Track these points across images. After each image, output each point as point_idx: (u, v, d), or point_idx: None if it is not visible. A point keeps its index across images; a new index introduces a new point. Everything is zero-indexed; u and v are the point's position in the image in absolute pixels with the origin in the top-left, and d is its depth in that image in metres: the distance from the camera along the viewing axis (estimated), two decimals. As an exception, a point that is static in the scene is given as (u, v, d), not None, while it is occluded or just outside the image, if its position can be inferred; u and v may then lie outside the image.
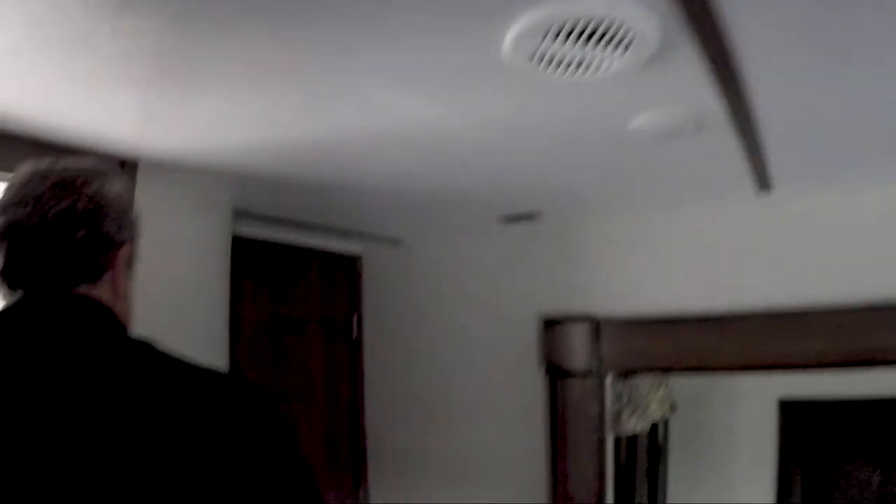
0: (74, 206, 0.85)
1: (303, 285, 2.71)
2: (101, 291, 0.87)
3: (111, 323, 0.87)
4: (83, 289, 0.86)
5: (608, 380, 2.43)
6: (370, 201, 2.28)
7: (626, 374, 2.47)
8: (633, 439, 2.69)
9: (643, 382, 2.66)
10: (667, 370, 2.38)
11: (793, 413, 3.12)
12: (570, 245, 2.50)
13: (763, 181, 2.09)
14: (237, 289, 2.30)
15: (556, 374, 2.41)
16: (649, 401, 2.67)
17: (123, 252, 0.91)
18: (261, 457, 0.80)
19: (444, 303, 2.72)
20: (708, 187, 2.20)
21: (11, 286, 0.84)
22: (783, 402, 3.12)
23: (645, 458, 2.87)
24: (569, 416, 2.39)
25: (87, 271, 0.87)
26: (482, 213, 2.44)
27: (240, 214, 2.39)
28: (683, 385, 3.08)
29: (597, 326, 2.37)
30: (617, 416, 2.50)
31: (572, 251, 2.49)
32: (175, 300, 2.13)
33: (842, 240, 2.17)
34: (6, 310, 0.84)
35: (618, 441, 2.57)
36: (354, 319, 2.92)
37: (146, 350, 0.85)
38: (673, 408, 3.01)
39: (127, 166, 1.93)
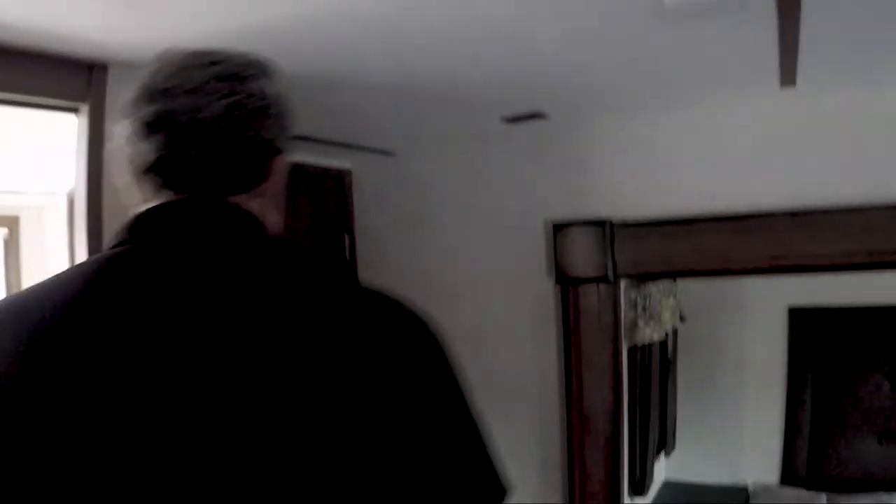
0: (241, 103, 0.76)
1: (289, 206, 2.51)
2: (255, 203, 0.79)
3: (265, 240, 0.78)
4: (239, 198, 0.78)
5: (622, 286, 2.30)
6: (360, 105, 2.07)
7: (641, 279, 2.33)
8: (646, 349, 2.59)
9: (656, 290, 2.54)
10: (686, 274, 2.25)
11: (802, 321, 3.05)
12: (579, 146, 2.32)
13: (789, 74, 1.92)
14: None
15: (568, 282, 2.26)
16: (662, 309, 2.56)
17: (281, 161, 0.83)
18: (414, 374, 0.74)
19: (443, 216, 2.54)
20: (730, 80, 2.02)
21: (162, 185, 0.76)
22: (792, 310, 3.04)
23: (658, 370, 2.77)
24: (583, 326, 2.26)
25: (245, 179, 0.79)
26: (483, 113, 2.24)
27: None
28: (691, 295, 2.98)
29: (610, 230, 2.21)
30: (632, 325, 2.38)
31: (582, 153, 2.32)
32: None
33: (869, 137, 2.02)
34: (153, 212, 0.75)
35: (632, 351, 2.46)
36: (346, 240, 2.74)
37: (301, 269, 0.77)
38: (682, 318, 2.91)
39: (96, 70, 1.73)
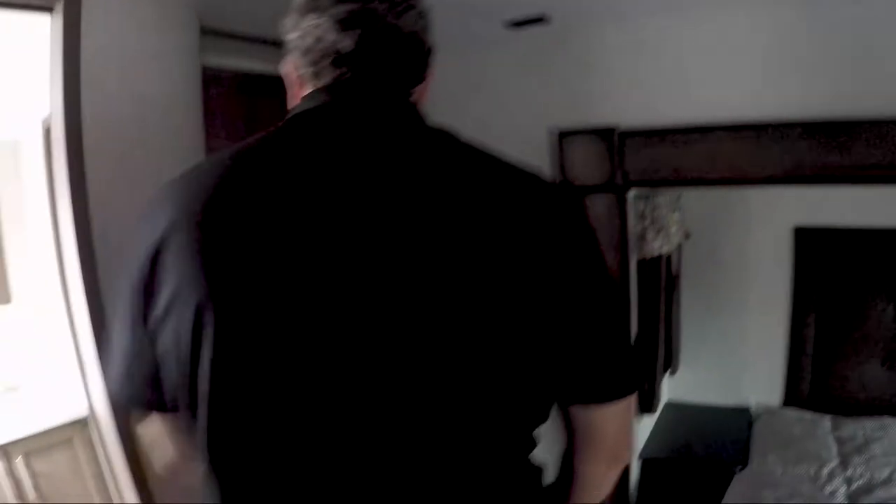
0: (423, 14, 0.87)
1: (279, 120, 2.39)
2: (413, 100, 0.90)
3: (434, 128, 0.88)
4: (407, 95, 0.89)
5: (630, 197, 2.24)
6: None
7: (652, 186, 2.27)
8: (654, 263, 2.54)
9: (664, 201, 2.48)
10: (697, 183, 2.18)
11: (808, 241, 3.00)
12: (585, 52, 2.22)
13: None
14: (207, 123, 2.01)
15: (576, 191, 2.20)
16: (669, 223, 2.51)
17: (432, 69, 0.93)
18: (561, 248, 0.82)
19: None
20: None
21: (348, 76, 0.85)
22: (798, 230, 3.00)
23: (664, 286, 2.74)
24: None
25: (414, 80, 0.89)
26: (485, 18, 2.15)
27: (206, 34, 2.08)
28: (695, 212, 2.93)
29: (618, 137, 2.15)
30: (640, 237, 2.33)
31: (588, 59, 2.22)
32: (143, 121, 1.85)
33: (885, 48, 1.96)
34: (342, 105, 0.85)
35: (639, 265, 2.42)
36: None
37: (462, 149, 0.86)
38: (687, 235, 2.86)
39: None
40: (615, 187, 2.18)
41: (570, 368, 0.87)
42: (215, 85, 2.02)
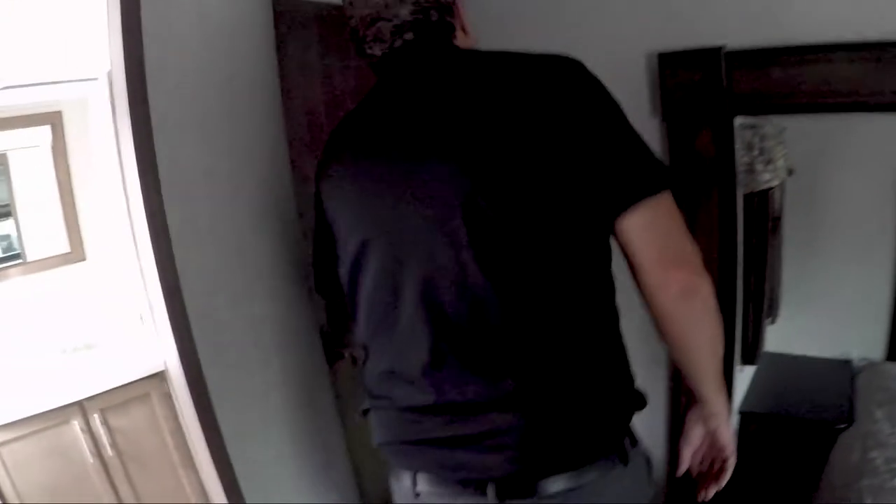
0: None
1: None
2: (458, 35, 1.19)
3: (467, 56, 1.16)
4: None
5: (737, 125, 2.03)
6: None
7: (762, 113, 2.06)
8: (763, 198, 2.33)
9: (770, 132, 2.26)
10: (813, 108, 1.95)
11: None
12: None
13: None
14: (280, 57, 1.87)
15: (677, 120, 2.00)
16: (777, 154, 2.29)
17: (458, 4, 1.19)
18: (579, 105, 1.04)
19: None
20: None
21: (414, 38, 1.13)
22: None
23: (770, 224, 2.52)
24: (694, 169, 2.01)
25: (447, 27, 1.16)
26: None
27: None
28: (798, 148, 2.68)
29: (724, 59, 1.93)
30: (749, 169, 2.13)
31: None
32: (212, 58, 1.73)
33: None
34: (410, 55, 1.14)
35: (747, 199, 2.21)
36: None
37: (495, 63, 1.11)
38: (790, 171, 2.62)
39: None
40: (721, 116, 1.97)
41: (598, 182, 1.01)
42: (288, 17, 1.87)
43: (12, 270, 2.78)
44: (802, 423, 2.50)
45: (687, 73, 1.96)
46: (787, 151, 2.51)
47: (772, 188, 2.35)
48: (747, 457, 2.52)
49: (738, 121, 2.04)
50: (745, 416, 2.51)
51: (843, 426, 2.41)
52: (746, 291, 2.32)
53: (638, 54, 2.04)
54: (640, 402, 1.16)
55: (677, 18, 1.99)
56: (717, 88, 1.94)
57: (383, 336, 1.15)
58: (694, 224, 2.01)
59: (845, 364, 2.89)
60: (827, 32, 1.84)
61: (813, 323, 2.96)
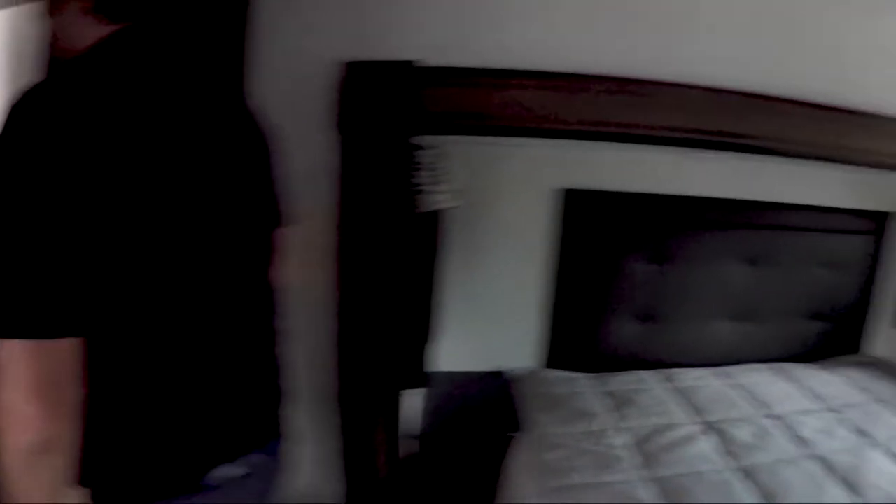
0: None
1: None
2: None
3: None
4: None
5: (417, 143, 2.01)
6: None
7: (440, 134, 2.06)
8: (435, 216, 2.34)
9: (448, 152, 2.30)
10: (499, 131, 2.00)
11: (567, 203, 3.05)
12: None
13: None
14: None
15: (356, 133, 1.91)
16: (453, 175, 2.33)
17: None
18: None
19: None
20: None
21: None
22: (559, 191, 3.03)
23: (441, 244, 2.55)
24: (369, 184, 1.94)
25: None
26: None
27: None
28: (466, 173, 2.79)
29: (414, 74, 1.89)
30: (425, 188, 2.12)
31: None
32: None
33: (700, 17, 2.06)
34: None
35: (421, 217, 2.20)
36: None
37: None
38: (463, 193, 2.69)
39: None
40: (403, 132, 1.94)
41: None
42: None
43: None
44: (476, 435, 2.59)
45: (373, 85, 1.88)
46: (462, 173, 2.60)
47: (445, 209, 2.40)
48: (430, 476, 2.54)
49: (419, 139, 2.03)
50: (424, 438, 2.51)
51: (514, 433, 2.55)
52: (415, 312, 2.32)
53: (326, 62, 1.90)
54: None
55: (371, 30, 1.92)
56: (402, 104, 1.90)
57: None
58: (367, 242, 1.96)
59: (504, 375, 3.10)
60: (518, 60, 1.93)
61: (476, 339, 3.11)
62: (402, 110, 1.89)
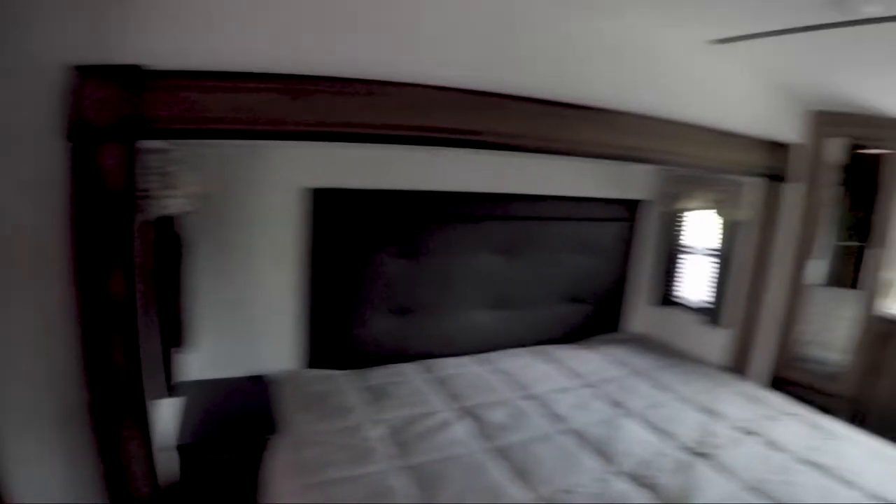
0: None
1: None
2: None
3: None
4: None
5: (145, 148, 1.91)
6: None
7: (169, 139, 1.96)
8: (170, 222, 2.23)
9: (180, 156, 2.20)
10: (226, 135, 1.93)
11: (316, 202, 3.05)
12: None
13: None
14: None
15: (83, 138, 1.78)
16: (185, 180, 2.23)
17: None
18: None
19: None
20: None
21: None
22: (307, 190, 3.01)
23: (178, 252, 2.44)
24: (95, 191, 1.81)
25: None
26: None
27: None
28: (211, 173, 2.69)
29: (139, 77, 1.80)
30: (155, 194, 2.01)
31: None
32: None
33: (422, 19, 2.13)
34: None
35: (156, 224, 2.10)
36: None
37: None
38: (205, 197, 2.59)
39: None
40: (129, 136, 1.83)
41: None
42: None
43: None
44: (237, 440, 2.52)
45: (100, 89, 1.76)
46: (201, 177, 2.50)
47: (179, 214, 2.30)
48: (193, 487, 2.43)
49: (148, 143, 1.93)
50: (183, 449, 2.41)
51: (270, 435, 2.52)
52: (160, 322, 2.21)
53: (55, 66, 1.74)
54: None
55: (104, 34, 1.79)
56: (127, 108, 1.79)
57: None
58: (98, 250, 1.84)
59: (263, 378, 3.04)
60: (244, 62, 1.89)
61: (232, 345, 3.02)
62: (128, 115, 1.79)
